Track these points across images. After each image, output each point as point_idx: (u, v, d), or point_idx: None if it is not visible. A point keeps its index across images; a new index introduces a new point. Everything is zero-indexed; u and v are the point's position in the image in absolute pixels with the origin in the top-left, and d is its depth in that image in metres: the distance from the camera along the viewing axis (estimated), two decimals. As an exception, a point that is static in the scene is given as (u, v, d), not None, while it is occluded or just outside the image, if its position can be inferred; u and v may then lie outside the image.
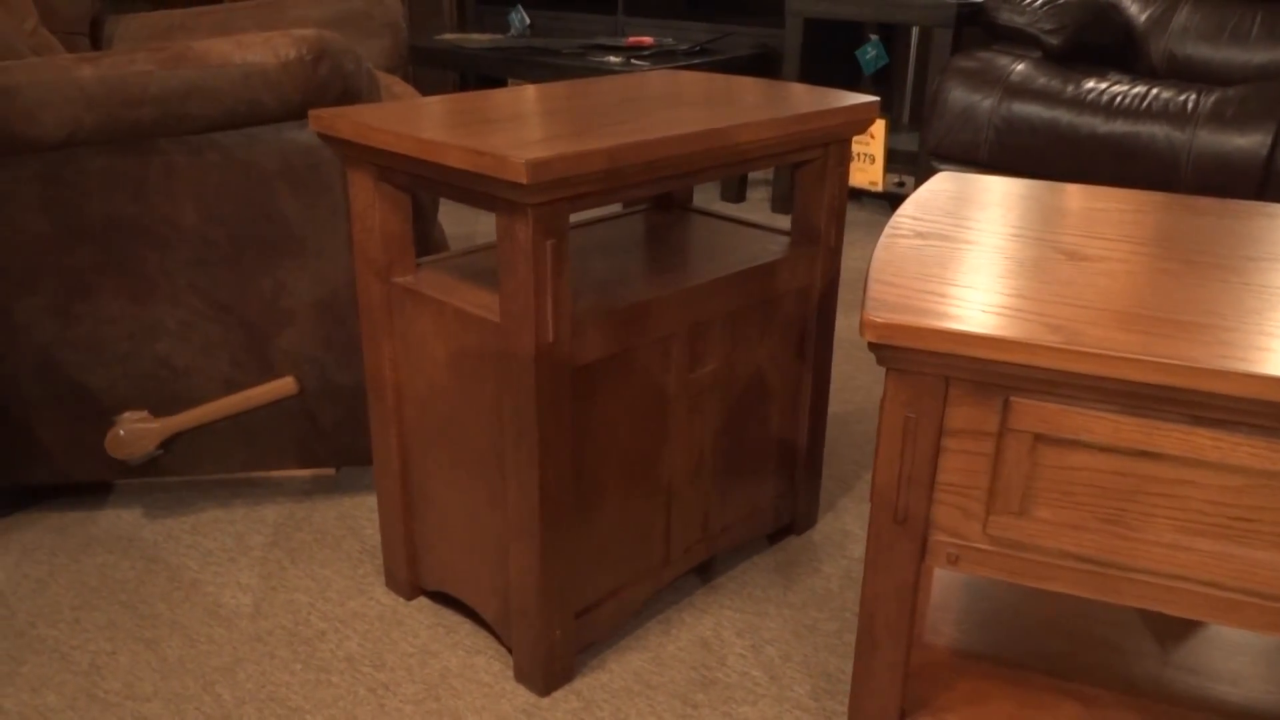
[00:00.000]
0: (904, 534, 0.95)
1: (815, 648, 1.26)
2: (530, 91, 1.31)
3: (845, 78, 3.52)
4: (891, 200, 3.35)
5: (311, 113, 1.15)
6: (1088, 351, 0.83)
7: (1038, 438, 0.89)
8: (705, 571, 1.41)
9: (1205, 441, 0.84)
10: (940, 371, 0.90)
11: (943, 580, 1.26)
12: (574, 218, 2.29)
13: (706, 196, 3.32)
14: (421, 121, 1.10)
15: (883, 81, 3.72)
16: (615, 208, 2.81)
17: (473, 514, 1.21)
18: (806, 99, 1.30)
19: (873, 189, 3.06)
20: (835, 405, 1.89)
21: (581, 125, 1.09)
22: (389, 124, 1.08)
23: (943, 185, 1.29)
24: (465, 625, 1.29)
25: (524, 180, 0.94)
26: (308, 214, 1.37)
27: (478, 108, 1.18)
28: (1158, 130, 2.42)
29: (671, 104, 1.24)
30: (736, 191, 3.30)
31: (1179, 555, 0.88)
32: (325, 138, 1.15)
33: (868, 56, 3.25)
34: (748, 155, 1.17)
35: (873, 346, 0.90)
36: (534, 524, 1.11)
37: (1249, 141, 2.30)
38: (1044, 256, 1.03)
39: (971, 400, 0.90)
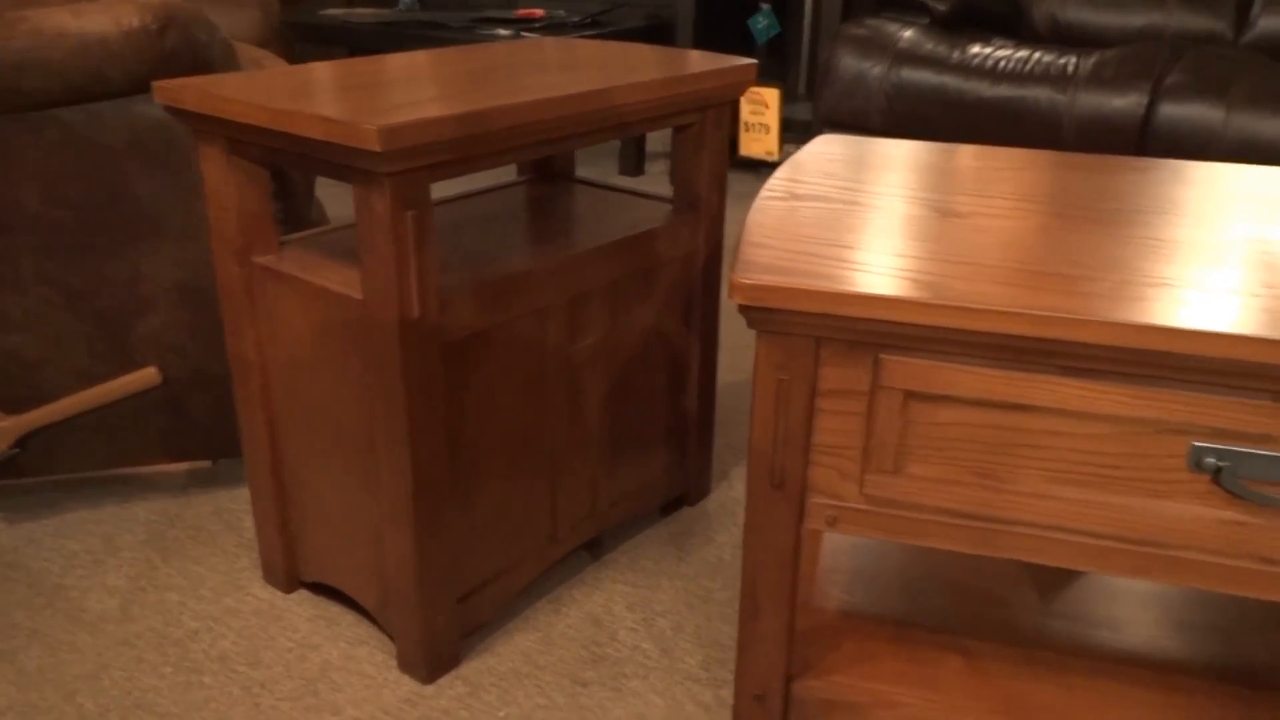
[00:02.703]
0: (781, 498, 0.94)
1: (708, 617, 1.25)
2: (398, 59, 1.26)
3: (739, 48, 3.51)
4: (788, 170, 3.36)
5: (155, 84, 1.08)
6: (953, 306, 0.82)
7: (909, 395, 0.88)
8: (596, 547, 1.38)
9: (1072, 391, 0.85)
10: (811, 332, 0.88)
11: (831, 542, 1.26)
12: (451, 190, 2.22)
13: (604, 169, 3.28)
14: (274, 91, 1.04)
15: (778, 52, 3.72)
16: (498, 180, 2.74)
17: (347, 500, 1.16)
18: (683, 63, 1.28)
19: (769, 159, 3.06)
20: (729, 374, 1.88)
21: (445, 91, 1.05)
22: (238, 93, 1.02)
23: (821, 148, 1.28)
24: (347, 616, 1.24)
25: (376, 148, 0.90)
26: (162, 193, 1.30)
27: (337, 76, 1.13)
28: (1040, 93, 2.46)
29: (545, 69, 1.20)
30: (635, 164, 3.27)
31: (1049, 505, 0.88)
32: (171, 110, 1.09)
33: (759, 26, 3.24)
34: (619, 119, 1.14)
35: (743, 309, 0.88)
36: (408, 508, 1.07)
37: (1126, 102, 2.35)
38: (918, 214, 1.02)
39: (843, 360, 0.89)
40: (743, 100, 3.08)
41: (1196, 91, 2.26)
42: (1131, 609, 1.15)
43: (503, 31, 2.99)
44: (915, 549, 1.25)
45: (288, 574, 1.28)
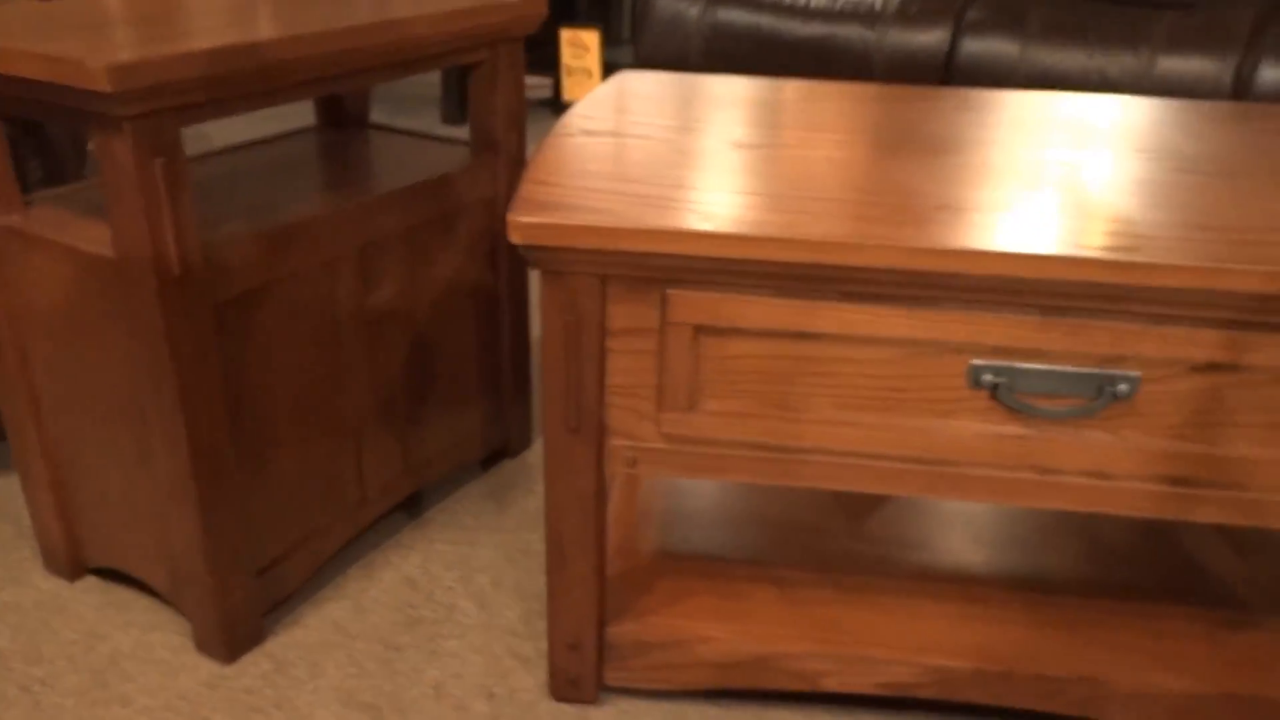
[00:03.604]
0: (579, 442, 0.92)
1: (528, 570, 1.22)
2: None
3: (560, -10, 3.42)
4: (615, 115, 3.32)
5: None
6: (732, 235, 0.81)
7: (698, 329, 0.87)
8: (414, 506, 1.34)
9: (854, 316, 0.85)
10: (595, 270, 0.85)
11: (649, 484, 1.25)
12: (230, 137, 2.06)
13: (426, 118, 3.17)
14: (-3, 29, 0.93)
15: (600, -5, 3.65)
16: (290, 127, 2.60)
17: (126, 477, 1.07)
18: (468, -4, 1.21)
19: (593, 103, 3.02)
20: (554, 323, 1.85)
21: (211, 24, 0.96)
22: (-47, 33, 0.91)
23: (621, 84, 1.25)
24: (140, 601, 1.16)
25: (106, 88, 0.81)
26: (-112, 151, 1.15)
27: (90, 11, 1.02)
28: (851, 31, 2.49)
29: (344, 1, 1.12)
30: (458, 112, 3.16)
31: (842, 431, 0.89)
32: (-122, 54, 0.96)
33: (577, -33, 3.17)
34: (397, 55, 1.08)
35: (523, 250, 0.84)
36: (188, 481, 0.99)
37: (931, 38, 2.41)
38: (710, 147, 1.00)
39: (630, 297, 0.87)
40: (564, 44, 3.02)
41: (994, 26, 2.34)
42: (938, 529, 1.19)
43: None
44: (731, 485, 1.26)
45: (71, 561, 1.19)
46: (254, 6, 1.09)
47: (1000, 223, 0.83)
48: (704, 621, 1.04)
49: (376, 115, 3.21)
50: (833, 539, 1.17)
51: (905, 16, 2.43)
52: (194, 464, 0.98)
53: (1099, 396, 0.85)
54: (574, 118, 1.10)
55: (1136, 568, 1.13)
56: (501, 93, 1.25)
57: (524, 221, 0.82)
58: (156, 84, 0.84)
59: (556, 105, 3.19)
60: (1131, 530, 1.19)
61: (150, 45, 0.87)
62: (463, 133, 3.09)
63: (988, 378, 0.85)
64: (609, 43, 3.34)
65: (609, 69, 3.04)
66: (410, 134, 1.40)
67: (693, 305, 0.86)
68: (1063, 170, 0.96)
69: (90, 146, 1.96)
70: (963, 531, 1.18)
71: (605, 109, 1.13)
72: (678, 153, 0.98)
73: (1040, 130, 1.08)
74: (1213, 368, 0.83)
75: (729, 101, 1.16)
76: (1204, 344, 0.82)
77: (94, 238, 0.98)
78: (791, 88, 1.24)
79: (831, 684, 1.02)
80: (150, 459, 1.03)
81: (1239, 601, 1.08)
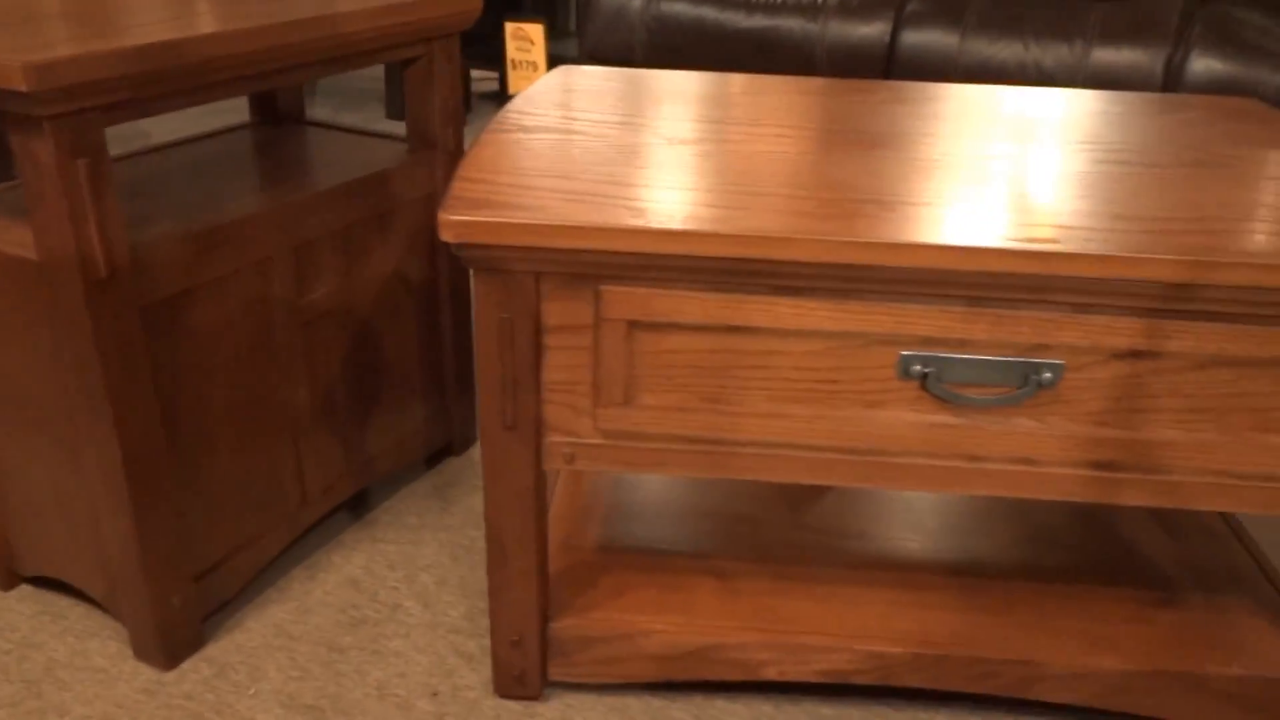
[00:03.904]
0: (516, 439, 0.92)
1: (472, 568, 1.22)
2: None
3: (504, -17, 3.40)
4: (563, 108, 3.31)
5: None
6: (663, 230, 0.81)
7: (632, 324, 0.87)
8: (358, 506, 1.33)
9: (785, 310, 0.86)
10: (529, 267, 0.86)
11: (592, 479, 1.25)
12: (170, 134, 2.02)
13: (371, 113, 3.14)
14: (-90, 27, 0.91)
15: (546, -13, 3.63)
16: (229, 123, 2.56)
17: (59, 484, 1.06)
18: (402, -9, 1.20)
19: (539, 97, 3.00)
20: (499, 318, 1.84)
21: (136, 20, 0.94)
22: None
23: (559, 79, 1.25)
24: (77, 609, 1.14)
25: (23, 88, 0.80)
26: None
27: (11, 5, 0.99)
28: (794, 24, 2.51)
29: (244, -1, 1.10)
30: (403, 108, 3.13)
31: (775, 423, 0.90)
32: None
33: (521, -41, 3.15)
34: (326, 52, 1.07)
35: (455, 248, 0.84)
36: (121, 487, 0.98)
37: (872, 30, 2.44)
38: (644, 143, 1.01)
39: (564, 294, 0.87)
40: (509, 37, 3.00)
41: (934, 18, 2.37)
42: (874, 518, 1.21)
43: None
44: (671, 479, 1.26)
45: (5, 570, 1.17)
46: (191, 1, 1.07)
47: (926, 215, 0.84)
48: (646, 615, 1.05)
49: (320, 109, 3.18)
50: (772, 530, 1.18)
51: (846, 9, 2.45)
52: (126, 468, 0.97)
53: (1025, 385, 0.87)
54: (510, 113, 1.10)
55: (1068, 551, 1.16)
56: (438, 88, 1.24)
57: (455, 219, 0.82)
58: (78, 83, 0.83)
59: (503, 99, 3.18)
60: (1063, 514, 1.22)
61: (74, 42, 0.85)
62: (402, 128, 3.06)
63: (917, 368, 0.87)
64: (554, 36, 3.33)
65: (554, 62, 3.03)
66: (347, 130, 1.39)
67: (626, 301, 0.86)
68: (992, 163, 0.97)
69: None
70: (898, 520, 1.20)
71: (542, 104, 1.13)
72: (613, 148, 0.98)
73: (974, 123, 1.10)
74: (1133, 355, 0.85)
75: (668, 96, 1.16)
76: (1124, 332, 0.84)
77: (16, 240, 0.96)
78: (732, 82, 1.24)
79: (772, 673, 1.03)
80: (82, 464, 1.02)
81: (1168, 581, 1.11)
